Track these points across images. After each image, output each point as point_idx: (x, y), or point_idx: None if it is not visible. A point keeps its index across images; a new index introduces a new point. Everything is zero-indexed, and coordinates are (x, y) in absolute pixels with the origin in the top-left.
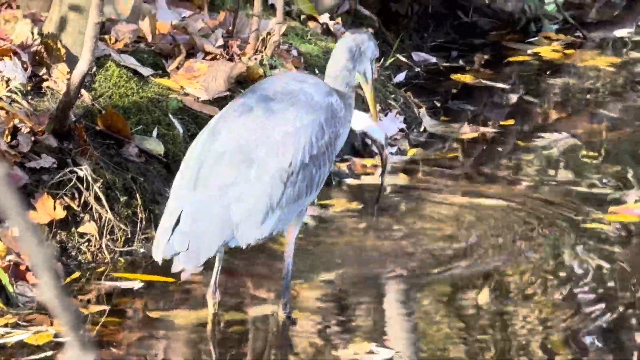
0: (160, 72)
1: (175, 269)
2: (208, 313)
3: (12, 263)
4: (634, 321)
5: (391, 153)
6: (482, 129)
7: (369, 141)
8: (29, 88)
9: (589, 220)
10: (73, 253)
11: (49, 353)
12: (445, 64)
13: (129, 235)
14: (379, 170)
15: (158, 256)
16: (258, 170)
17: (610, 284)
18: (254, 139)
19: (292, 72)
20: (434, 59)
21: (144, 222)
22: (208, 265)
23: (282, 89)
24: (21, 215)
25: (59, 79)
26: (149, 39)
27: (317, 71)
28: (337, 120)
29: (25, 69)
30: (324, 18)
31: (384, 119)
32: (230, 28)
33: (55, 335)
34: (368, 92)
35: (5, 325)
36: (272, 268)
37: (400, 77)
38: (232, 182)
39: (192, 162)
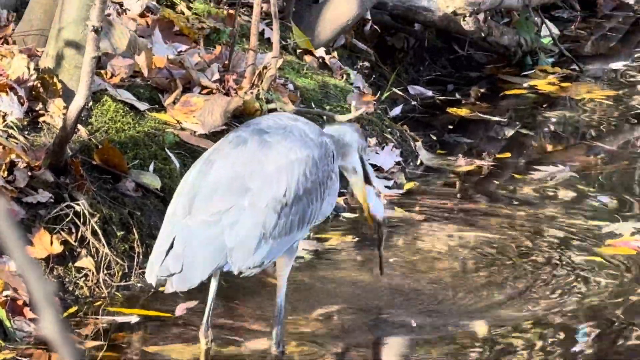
0: (157, 106)
1: (168, 290)
2: (201, 348)
3: (9, 298)
4: (632, 354)
5: (387, 187)
6: (478, 162)
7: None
8: (25, 123)
9: (586, 253)
10: (70, 288)
11: None
12: (441, 98)
13: (126, 270)
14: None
15: (152, 279)
16: (252, 199)
17: (610, 317)
18: (249, 170)
19: (289, 106)
20: (430, 93)
21: (141, 257)
22: (203, 299)
23: (275, 124)
24: (21, 250)
25: (55, 114)
26: (145, 73)
27: (313, 105)
28: (330, 160)
29: (22, 104)
30: (320, 52)
31: (381, 153)
32: (227, 62)
33: None
34: (358, 187)
35: None
36: (269, 302)
37: (397, 110)
38: (226, 210)
39: (185, 190)
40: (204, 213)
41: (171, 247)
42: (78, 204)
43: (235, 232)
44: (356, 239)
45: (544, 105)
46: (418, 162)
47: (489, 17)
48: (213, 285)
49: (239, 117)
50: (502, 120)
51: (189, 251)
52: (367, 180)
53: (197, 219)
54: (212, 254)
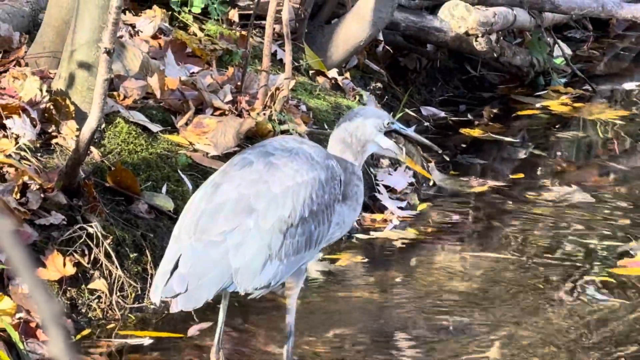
0: (169, 128)
1: (173, 309)
2: None
3: (22, 320)
4: None
5: (400, 208)
6: (492, 183)
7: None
8: (38, 145)
9: (600, 274)
10: (83, 310)
11: None
12: (454, 118)
13: (139, 292)
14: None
15: (156, 298)
16: (258, 220)
17: (623, 338)
18: (255, 191)
19: (301, 127)
20: (442, 113)
21: (153, 279)
22: (215, 320)
23: (281, 147)
24: (29, 272)
25: (68, 136)
26: (158, 95)
27: (326, 126)
28: (336, 183)
29: (35, 126)
30: (333, 73)
31: (394, 174)
32: (239, 83)
33: None
34: (405, 161)
35: None
36: (280, 323)
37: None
38: (232, 230)
39: (191, 211)
40: (209, 233)
41: (176, 267)
42: (91, 226)
43: (241, 253)
44: (369, 260)
45: (556, 126)
46: (431, 183)
47: (501, 38)
48: (223, 306)
49: (251, 138)
50: (515, 140)
51: (194, 271)
52: (419, 143)
53: (202, 239)
54: (218, 274)
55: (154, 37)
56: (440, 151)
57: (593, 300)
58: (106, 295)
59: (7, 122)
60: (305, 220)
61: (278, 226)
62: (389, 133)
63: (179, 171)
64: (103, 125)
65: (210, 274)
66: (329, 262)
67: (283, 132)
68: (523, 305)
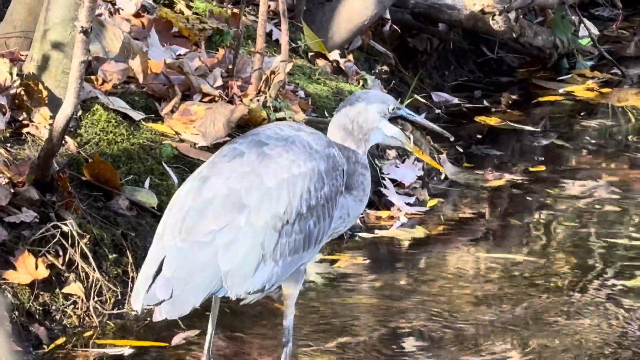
0: (153, 116)
1: (156, 318)
2: None
3: None
4: None
5: (408, 204)
6: (509, 177)
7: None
8: (7, 134)
9: (627, 277)
10: (57, 316)
11: None
12: (468, 105)
13: (119, 297)
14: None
15: (137, 305)
16: (250, 217)
17: None
18: (246, 185)
19: (299, 114)
20: (456, 100)
21: (135, 282)
22: (202, 328)
23: (276, 135)
24: None
25: (40, 125)
26: (140, 79)
27: (326, 114)
28: (338, 174)
29: (4, 114)
30: (334, 55)
31: (401, 166)
32: (230, 67)
33: None
34: (411, 150)
35: None
36: (275, 330)
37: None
38: (221, 229)
39: (177, 208)
40: (196, 233)
41: (159, 270)
42: (66, 224)
43: (231, 254)
44: (373, 262)
45: (582, 113)
46: (442, 177)
47: (521, 16)
48: (213, 313)
49: (243, 127)
50: (536, 130)
51: (180, 275)
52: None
53: (188, 239)
54: (205, 278)
55: (137, 15)
56: (452, 139)
57: (618, 305)
58: (83, 300)
59: None
60: (303, 217)
61: (272, 223)
62: (394, 119)
63: (163, 163)
64: (79, 113)
65: (198, 277)
66: (329, 264)
67: (279, 120)
68: (541, 310)
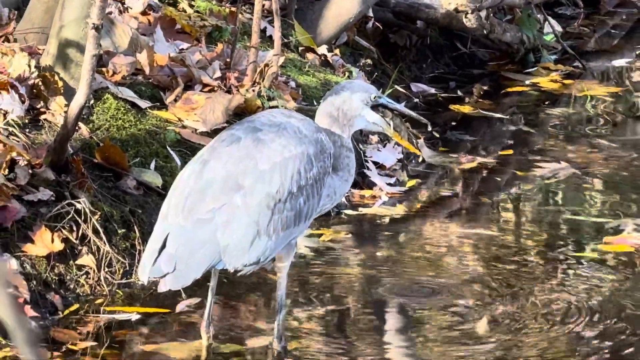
0: (158, 104)
1: (161, 289)
2: (202, 344)
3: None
4: (631, 350)
5: (389, 184)
6: (481, 159)
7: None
8: (26, 121)
9: (587, 250)
10: (71, 285)
11: None
12: (443, 95)
13: (127, 268)
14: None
15: (144, 277)
16: (245, 197)
17: (608, 314)
18: (242, 168)
19: (290, 103)
20: (432, 90)
21: (142, 255)
22: (203, 296)
23: (269, 122)
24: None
25: (56, 112)
26: (147, 71)
27: (315, 103)
28: (326, 156)
29: (23, 102)
30: (322, 50)
31: (383, 150)
32: (228, 60)
33: None
34: (392, 136)
35: (4, 359)
36: (269, 299)
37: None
38: (220, 208)
39: (179, 189)
40: (197, 212)
41: (164, 246)
42: (79, 202)
43: (229, 231)
44: (357, 237)
45: (546, 103)
46: (420, 160)
47: (491, 14)
48: (213, 283)
49: (240, 114)
50: (505, 117)
51: (182, 250)
52: (408, 117)
53: (190, 217)
54: (206, 253)
55: (143, 13)
56: (429, 124)
57: (582, 277)
58: (94, 271)
59: None
60: (294, 196)
61: (265, 202)
62: (376, 107)
63: (167, 147)
64: (91, 102)
65: (199, 252)
66: (317, 238)
67: (272, 108)
68: (512, 281)
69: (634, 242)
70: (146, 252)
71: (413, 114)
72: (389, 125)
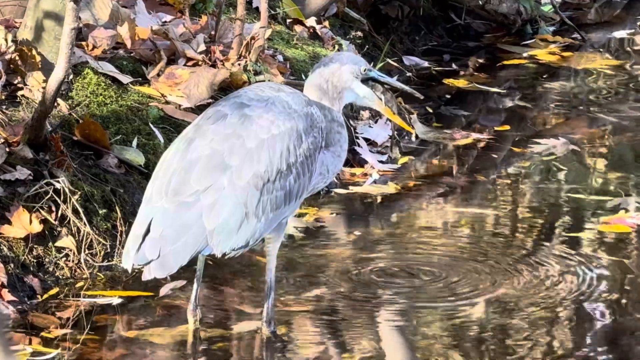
0: (140, 79)
1: (145, 277)
2: (189, 329)
3: None
4: (633, 330)
5: (381, 161)
6: (476, 135)
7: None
8: (3, 97)
9: (585, 229)
10: (50, 268)
11: None
12: (437, 68)
13: (109, 250)
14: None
15: (128, 264)
16: (232, 177)
17: (608, 294)
18: (228, 146)
19: (278, 77)
20: (425, 63)
21: (124, 236)
22: (189, 278)
23: (257, 97)
24: None
25: (34, 88)
26: (128, 44)
27: (303, 77)
28: (317, 131)
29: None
30: (311, 22)
31: (374, 126)
32: (213, 33)
33: (33, 354)
34: (382, 110)
35: None
36: (257, 282)
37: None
38: (205, 190)
39: (163, 170)
40: (181, 194)
41: (148, 231)
42: (58, 181)
43: (215, 213)
44: (348, 216)
45: (544, 76)
46: (413, 136)
47: None
48: (200, 264)
49: (225, 89)
50: (501, 91)
51: (167, 235)
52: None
53: (174, 200)
54: (191, 238)
55: None
56: (422, 98)
57: (576, 253)
58: (74, 253)
59: None
60: (283, 174)
61: (254, 182)
62: (366, 81)
63: (150, 124)
64: (71, 77)
65: (184, 237)
66: (307, 218)
67: (259, 82)
68: (507, 261)
69: (632, 222)
70: (130, 237)
71: (405, 87)
72: (380, 99)
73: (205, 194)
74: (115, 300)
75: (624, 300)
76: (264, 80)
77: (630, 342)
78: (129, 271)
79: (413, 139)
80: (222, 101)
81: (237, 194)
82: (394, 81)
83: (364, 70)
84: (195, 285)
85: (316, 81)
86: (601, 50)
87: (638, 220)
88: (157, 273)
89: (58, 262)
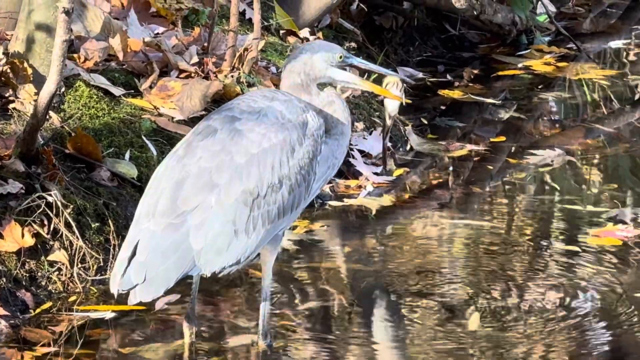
0: (133, 91)
1: (131, 301)
2: (185, 342)
3: None
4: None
5: (376, 173)
6: (472, 147)
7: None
8: None
9: (582, 240)
10: (43, 282)
11: None
12: (432, 79)
13: (102, 263)
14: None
15: (114, 289)
16: (220, 195)
17: (604, 305)
18: (217, 163)
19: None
20: (420, 74)
21: (116, 249)
22: (184, 292)
23: (249, 109)
24: None
25: (25, 100)
26: (120, 57)
27: None
28: (315, 137)
29: None
30: (304, 33)
31: (369, 138)
32: (206, 44)
33: None
34: (363, 87)
35: None
36: (252, 295)
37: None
38: (192, 209)
39: (152, 189)
40: (167, 215)
41: (134, 254)
42: (50, 195)
43: (202, 233)
44: (343, 229)
45: (540, 86)
46: (408, 147)
47: None
48: (196, 277)
49: (219, 101)
50: (497, 102)
51: (152, 259)
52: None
53: (160, 222)
54: (178, 260)
55: None
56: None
57: (573, 265)
58: (67, 267)
59: None
60: (275, 188)
61: (242, 199)
62: (344, 68)
63: (142, 137)
64: (62, 89)
65: (170, 259)
66: (300, 231)
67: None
68: (503, 273)
69: (622, 235)
70: (117, 261)
71: (387, 70)
72: (361, 78)
73: (193, 214)
74: (109, 315)
75: (615, 312)
76: None
77: (626, 352)
78: (115, 295)
79: (408, 150)
80: (214, 114)
81: (225, 212)
82: (375, 66)
83: (340, 58)
84: (191, 298)
85: (290, 79)
86: (597, 60)
87: (628, 232)
88: (143, 297)
89: (50, 276)
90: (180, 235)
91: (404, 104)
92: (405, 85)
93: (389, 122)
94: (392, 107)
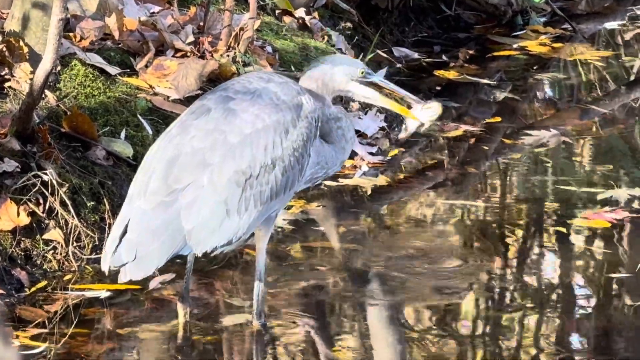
0: (129, 70)
1: (122, 279)
2: (179, 322)
3: None
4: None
5: (371, 153)
6: (467, 127)
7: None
8: None
9: (576, 221)
10: (38, 261)
11: None
12: (427, 60)
13: (97, 242)
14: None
15: (105, 267)
16: (212, 175)
17: (595, 287)
18: (210, 143)
19: (267, 69)
20: (416, 55)
21: (112, 228)
22: (178, 271)
23: (243, 89)
24: None
25: (21, 79)
26: (116, 36)
27: (292, 68)
28: (310, 120)
29: None
30: (300, 12)
31: (364, 118)
32: (201, 24)
33: (21, 348)
34: (384, 104)
35: None
36: (247, 275)
37: (381, 73)
38: (184, 187)
39: (145, 168)
40: (158, 194)
41: (125, 232)
42: (46, 174)
43: (194, 212)
44: (338, 209)
45: (535, 67)
46: (403, 128)
47: None
48: (190, 257)
49: (214, 81)
50: (492, 82)
51: (143, 237)
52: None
53: (151, 200)
54: (168, 238)
55: None
56: (420, 102)
57: (567, 245)
58: (62, 245)
59: None
60: (268, 168)
61: (235, 179)
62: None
63: (138, 116)
64: (58, 68)
65: (160, 238)
66: (296, 210)
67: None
68: (497, 253)
69: (611, 217)
70: (108, 239)
71: (408, 93)
72: (386, 97)
73: (184, 192)
74: (104, 294)
75: (606, 294)
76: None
77: (619, 335)
78: (106, 273)
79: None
80: (209, 94)
81: (217, 191)
82: (396, 87)
83: (362, 73)
84: (185, 277)
85: (305, 84)
86: (592, 41)
87: (617, 215)
88: (133, 275)
89: (46, 254)
90: (171, 214)
91: (422, 128)
92: (438, 113)
93: (403, 135)
94: (411, 126)
